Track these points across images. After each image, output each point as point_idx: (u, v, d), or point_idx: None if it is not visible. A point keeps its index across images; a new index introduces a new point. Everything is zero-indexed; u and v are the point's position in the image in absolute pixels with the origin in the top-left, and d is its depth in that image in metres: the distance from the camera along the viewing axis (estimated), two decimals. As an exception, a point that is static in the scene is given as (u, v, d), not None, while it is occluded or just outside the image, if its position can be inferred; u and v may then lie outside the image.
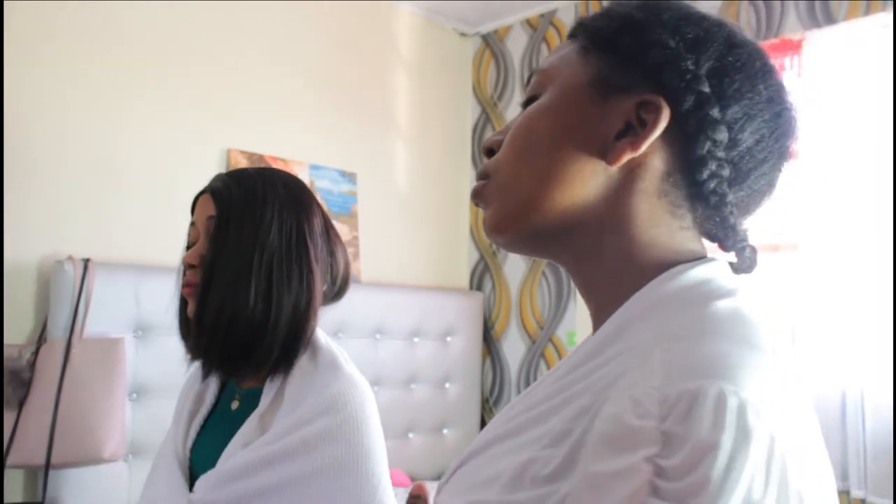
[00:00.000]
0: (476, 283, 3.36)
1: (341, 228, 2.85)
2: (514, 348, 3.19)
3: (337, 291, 1.27)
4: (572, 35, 0.69)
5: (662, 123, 0.60)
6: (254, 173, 1.23)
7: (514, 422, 0.61)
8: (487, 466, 0.59)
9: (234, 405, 1.25)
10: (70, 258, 2.07)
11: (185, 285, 1.19)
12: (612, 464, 0.49)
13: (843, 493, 2.19)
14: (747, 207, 0.66)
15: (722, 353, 0.52)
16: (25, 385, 1.96)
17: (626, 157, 0.61)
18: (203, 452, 1.23)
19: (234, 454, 1.14)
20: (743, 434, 0.46)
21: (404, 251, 3.13)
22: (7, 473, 1.96)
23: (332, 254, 1.25)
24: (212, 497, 1.11)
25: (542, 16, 3.21)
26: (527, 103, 0.68)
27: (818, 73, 2.29)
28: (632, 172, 0.62)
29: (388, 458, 1.19)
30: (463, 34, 3.42)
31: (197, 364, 1.25)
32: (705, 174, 0.60)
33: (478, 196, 0.69)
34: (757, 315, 0.58)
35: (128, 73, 2.34)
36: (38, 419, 1.92)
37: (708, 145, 0.60)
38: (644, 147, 0.60)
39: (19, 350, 1.99)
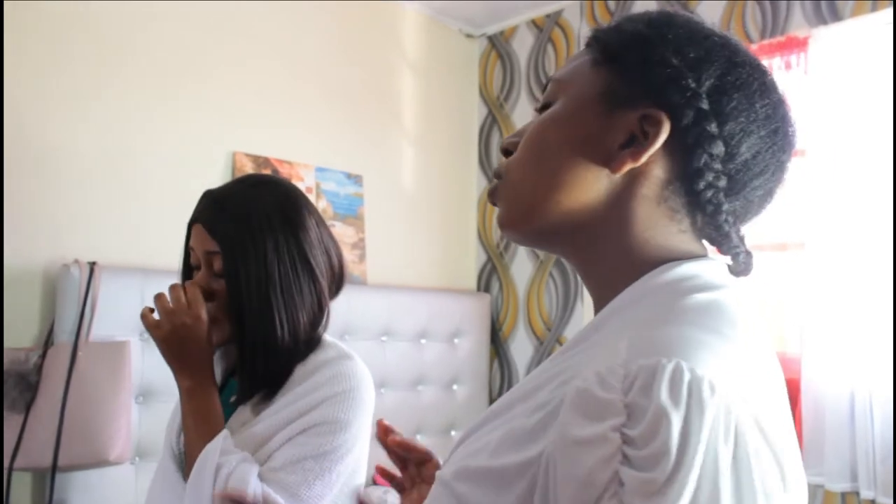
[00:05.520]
0: (483, 285, 3.36)
1: (347, 230, 2.85)
2: (521, 349, 3.18)
3: (337, 286, 1.32)
4: (589, 45, 0.73)
5: (663, 137, 0.65)
6: (242, 200, 1.23)
7: (505, 400, 0.67)
8: (478, 440, 0.66)
9: (234, 399, 1.27)
10: (76, 262, 2.09)
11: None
12: (584, 431, 0.54)
13: (853, 495, 2.17)
14: (745, 215, 0.71)
15: (682, 335, 0.56)
16: (32, 388, 1.97)
17: (628, 167, 0.66)
18: None
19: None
20: (698, 405, 0.51)
21: (411, 253, 3.13)
22: (14, 476, 1.97)
23: (327, 253, 1.28)
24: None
25: (547, 16, 3.20)
26: (542, 109, 0.73)
27: (824, 71, 2.27)
28: (634, 179, 0.67)
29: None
30: (469, 35, 3.42)
31: None
32: (702, 184, 0.65)
33: (492, 195, 0.74)
34: (735, 310, 0.62)
35: (133, 77, 2.35)
36: (44, 422, 1.93)
37: (705, 158, 0.64)
38: (645, 158, 0.65)
39: (26, 353, 2.00)
